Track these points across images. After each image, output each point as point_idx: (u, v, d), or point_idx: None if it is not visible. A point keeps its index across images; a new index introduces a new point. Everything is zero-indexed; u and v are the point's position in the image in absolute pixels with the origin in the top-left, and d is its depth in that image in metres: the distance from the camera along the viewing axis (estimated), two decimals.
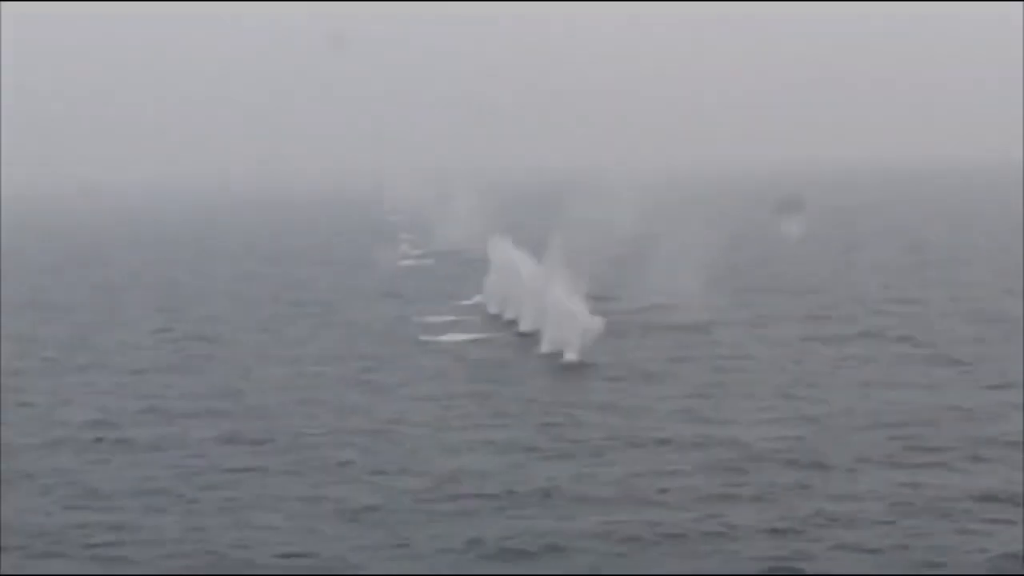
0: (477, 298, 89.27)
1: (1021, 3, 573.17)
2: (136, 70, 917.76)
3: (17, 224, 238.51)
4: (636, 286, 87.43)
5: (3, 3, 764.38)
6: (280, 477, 47.01)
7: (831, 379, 61.58)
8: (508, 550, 38.39)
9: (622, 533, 39.31)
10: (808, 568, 36.49)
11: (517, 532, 39.69)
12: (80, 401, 62.22)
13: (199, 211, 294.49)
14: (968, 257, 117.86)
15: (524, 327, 76.08)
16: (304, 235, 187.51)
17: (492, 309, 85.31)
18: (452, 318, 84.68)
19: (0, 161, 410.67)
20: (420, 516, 41.57)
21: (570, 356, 66.93)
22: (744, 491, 43.22)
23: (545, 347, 69.51)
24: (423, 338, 77.48)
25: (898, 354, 67.59)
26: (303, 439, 52.31)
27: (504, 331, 78.68)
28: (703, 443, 49.65)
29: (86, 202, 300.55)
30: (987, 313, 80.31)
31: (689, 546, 38.36)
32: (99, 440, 53.74)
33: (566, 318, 67.91)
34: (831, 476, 44.76)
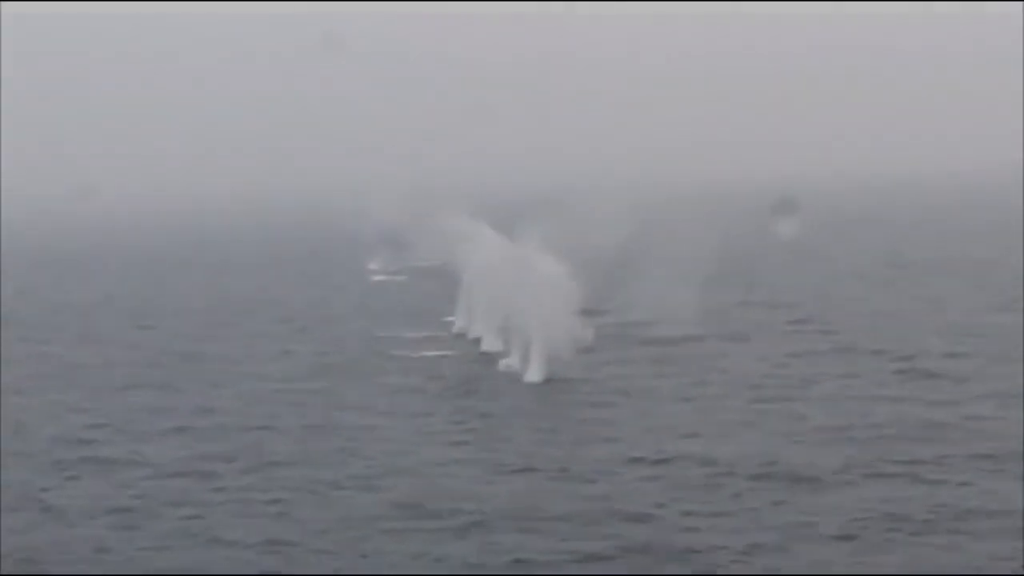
0: (451, 318, 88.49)
1: (1021, 3, 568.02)
2: (131, 71, 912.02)
3: (13, 229, 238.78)
4: (618, 300, 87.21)
5: (2, 3, 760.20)
6: (248, 494, 46.75)
7: (806, 393, 61.34)
8: (473, 564, 38.40)
9: (588, 550, 39.15)
10: None
11: (482, 549, 39.53)
12: (50, 419, 61.86)
13: (188, 218, 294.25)
14: (955, 269, 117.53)
15: (487, 346, 75.63)
16: (285, 247, 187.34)
17: (460, 324, 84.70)
18: (426, 334, 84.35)
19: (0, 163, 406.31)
20: (386, 534, 41.32)
21: (534, 376, 66.01)
22: (716, 507, 43.09)
23: (514, 359, 69.12)
24: (396, 354, 77.20)
25: (875, 368, 67.28)
26: (271, 456, 52.02)
27: (475, 347, 78.22)
28: (674, 458, 49.40)
29: (83, 205, 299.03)
30: (971, 327, 79.89)
31: (658, 563, 38.18)
32: (68, 458, 53.40)
33: (550, 295, 66.38)
34: (805, 491, 44.62)
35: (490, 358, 72.66)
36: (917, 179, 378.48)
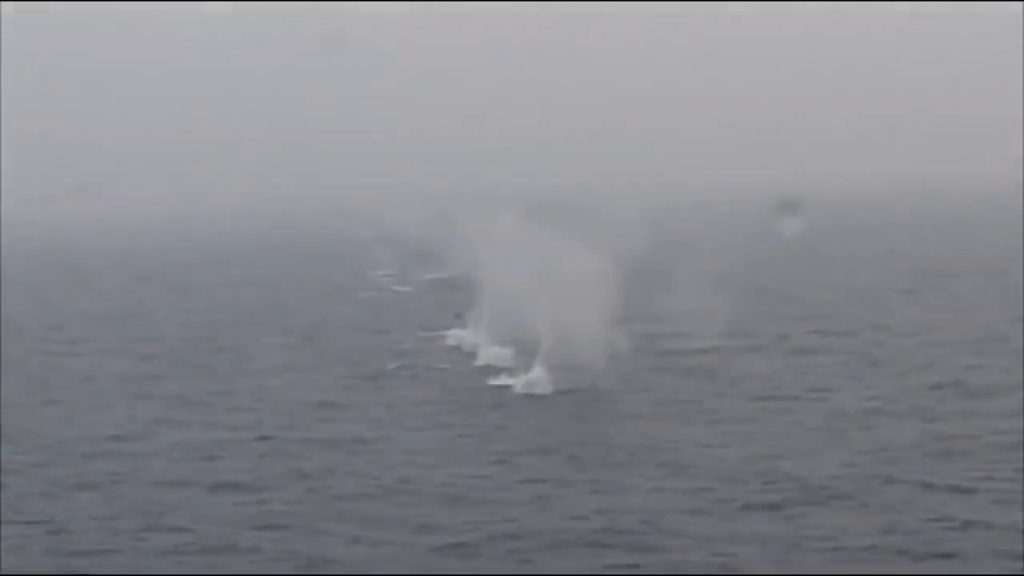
0: (455, 330, 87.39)
1: (1021, 2, 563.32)
2: (126, 73, 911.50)
3: (15, 233, 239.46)
4: (638, 307, 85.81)
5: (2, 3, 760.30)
6: (260, 507, 46.30)
7: (826, 406, 60.39)
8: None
9: (585, 567, 39.01)
10: None
11: (484, 567, 39.41)
12: (38, 431, 61.24)
13: (189, 221, 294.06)
14: (969, 276, 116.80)
15: (488, 358, 74.21)
16: (292, 252, 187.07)
17: (463, 335, 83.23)
18: (431, 346, 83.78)
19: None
20: (386, 562, 40.61)
21: (541, 388, 64.76)
22: (721, 520, 42.72)
23: (521, 369, 67.92)
24: (397, 367, 76.59)
25: (897, 380, 66.27)
26: (262, 476, 51.18)
27: (477, 359, 76.94)
28: (684, 472, 48.98)
29: (83, 205, 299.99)
30: (992, 337, 78.90)
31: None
32: (75, 469, 52.96)
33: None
34: (816, 505, 44.04)
35: (493, 370, 71.38)
36: (917, 181, 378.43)
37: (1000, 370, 67.36)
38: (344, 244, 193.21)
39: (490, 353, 74.72)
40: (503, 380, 68.00)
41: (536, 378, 65.62)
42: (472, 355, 77.58)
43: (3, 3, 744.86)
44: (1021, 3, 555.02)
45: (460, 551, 40.51)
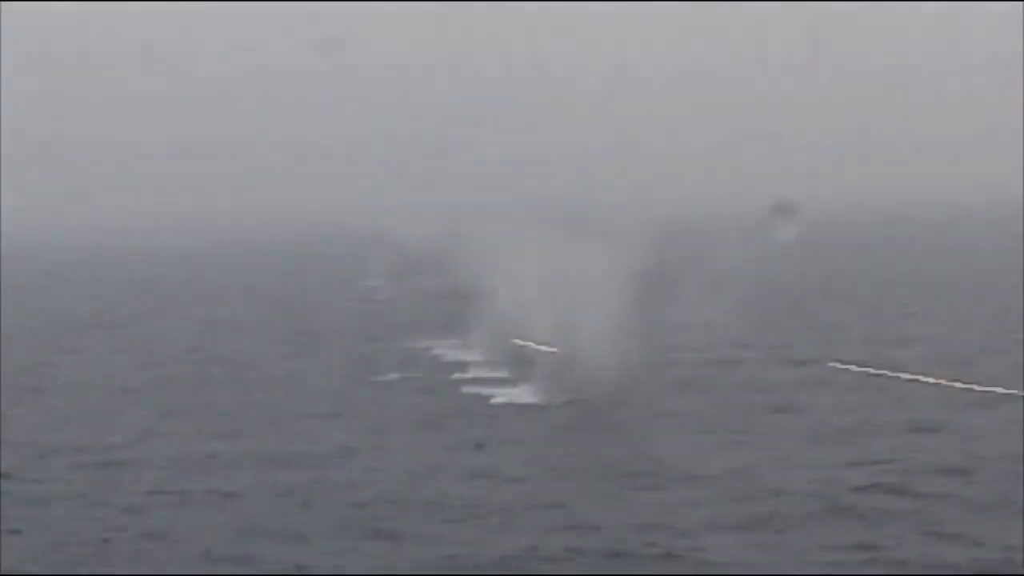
0: (447, 341, 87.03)
1: (1022, 2, 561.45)
2: (125, 73, 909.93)
3: (14, 239, 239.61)
4: (644, 320, 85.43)
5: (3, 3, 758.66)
6: (230, 519, 45.96)
7: (822, 420, 59.77)
8: None
9: None
10: None
11: None
12: (29, 439, 60.89)
13: (182, 229, 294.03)
14: (972, 288, 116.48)
15: (480, 370, 73.68)
16: (287, 264, 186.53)
17: (454, 344, 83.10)
18: (427, 356, 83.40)
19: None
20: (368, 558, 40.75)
21: (532, 400, 64.12)
22: (728, 537, 42.14)
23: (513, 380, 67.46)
24: (386, 380, 76.00)
25: (901, 395, 65.74)
26: (252, 486, 50.73)
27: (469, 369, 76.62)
28: (680, 485, 48.61)
29: (80, 210, 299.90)
30: (995, 353, 78.46)
31: None
32: (48, 480, 52.65)
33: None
34: (803, 520, 43.70)
35: (484, 382, 71.09)
36: (916, 187, 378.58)
37: (996, 383, 67.09)
38: (339, 250, 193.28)
39: (481, 364, 74.46)
40: (493, 391, 67.73)
41: (527, 390, 65.41)
42: (464, 366, 77.40)
43: (3, 3, 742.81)
44: (1021, 3, 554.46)
45: (449, 564, 40.24)
